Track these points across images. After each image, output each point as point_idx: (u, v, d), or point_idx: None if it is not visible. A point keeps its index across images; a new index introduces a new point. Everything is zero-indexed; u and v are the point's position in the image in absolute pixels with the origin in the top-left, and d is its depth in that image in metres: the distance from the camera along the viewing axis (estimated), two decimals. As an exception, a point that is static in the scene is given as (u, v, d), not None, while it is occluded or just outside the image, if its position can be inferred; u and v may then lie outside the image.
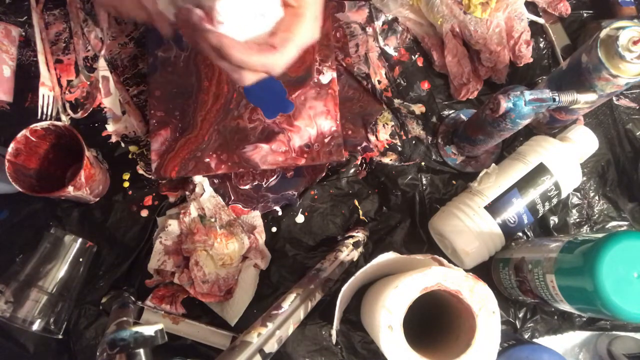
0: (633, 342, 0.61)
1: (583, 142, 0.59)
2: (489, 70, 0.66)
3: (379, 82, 0.67)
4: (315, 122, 0.61)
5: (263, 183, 0.63)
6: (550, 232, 0.64)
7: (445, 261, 0.47)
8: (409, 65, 0.68)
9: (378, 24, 0.69)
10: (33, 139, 0.56)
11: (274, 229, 0.63)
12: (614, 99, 0.67)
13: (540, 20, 0.69)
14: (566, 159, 0.58)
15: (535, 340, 0.62)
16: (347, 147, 0.64)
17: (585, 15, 0.70)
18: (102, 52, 0.66)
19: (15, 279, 0.55)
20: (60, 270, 0.56)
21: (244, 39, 0.41)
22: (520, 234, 0.63)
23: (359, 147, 0.65)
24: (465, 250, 0.57)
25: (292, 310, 0.51)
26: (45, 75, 0.65)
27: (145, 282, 0.60)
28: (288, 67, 0.43)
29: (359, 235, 0.61)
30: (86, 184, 0.55)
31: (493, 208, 0.57)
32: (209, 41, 0.40)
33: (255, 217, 0.62)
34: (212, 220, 0.60)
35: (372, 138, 0.65)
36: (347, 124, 0.65)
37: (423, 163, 0.65)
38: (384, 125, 0.66)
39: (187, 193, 0.62)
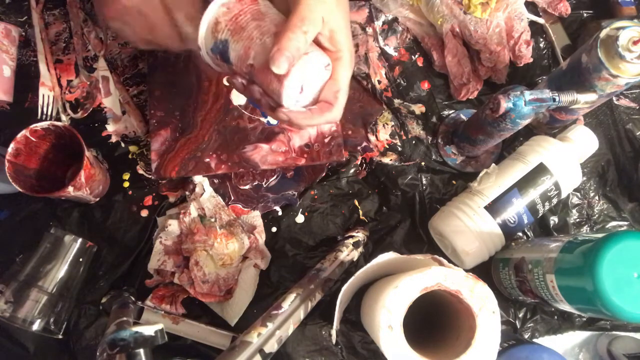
0: (633, 342, 0.61)
1: (583, 142, 0.59)
2: (489, 70, 0.66)
3: (379, 82, 0.67)
4: (315, 122, 0.61)
5: (263, 183, 0.63)
6: (550, 232, 0.64)
7: (445, 261, 0.47)
8: (409, 65, 0.68)
9: (378, 24, 0.69)
10: (33, 139, 0.56)
11: (274, 229, 0.63)
12: (614, 99, 0.67)
13: (540, 20, 0.69)
14: (566, 159, 0.58)
15: (535, 340, 0.62)
16: (347, 147, 0.64)
17: (585, 15, 0.70)
18: (102, 52, 0.66)
19: (15, 279, 0.55)
20: (60, 270, 0.56)
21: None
22: (520, 234, 0.63)
23: (359, 147, 0.65)
24: (465, 250, 0.57)
25: (292, 310, 0.51)
26: (45, 75, 0.65)
27: (145, 282, 0.60)
28: None
29: (359, 235, 0.61)
30: (86, 184, 0.55)
31: (493, 208, 0.57)
32: (279, 118, 0.43)
33: (255, 217, 0.62)
34: (212, 220, 0.60)
35: (372, 138, 0.65)
36: (347, 124, 0.65)
37: (423, 163, 0.65)
38: (384, 125, 0.66)
39: (187, 193, 0.62)
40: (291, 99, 0.41)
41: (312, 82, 0.42)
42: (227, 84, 0.61)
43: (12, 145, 0.54)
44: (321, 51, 0.41)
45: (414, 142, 0.66)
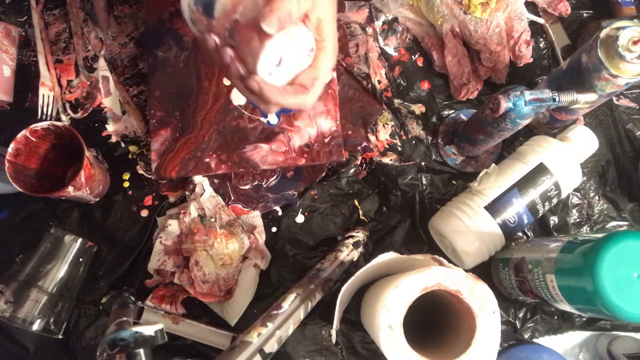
0: (633, 342, 0.61)
1: (583, 142, 0.59)
2: (489, 70, 0.66)
3: (379, 82, 0.67)
4: (315, 122, 0.61)
5: (263, 183, 0.63)
6: (550, 232, 0.64)
7: (445, 261, 0.47)
8: (409, 65, 0.68)
9: (378, 24, 0.69)
10: (33, 139, 0.56)
11: (274, 229, 0.63)
12: (614, 99, 0.67)
13: (540, 20, 0.69)
14: (566, 159, 0.58)
15: (535, 340, 0.62)
16: (347, 147, 0.64)
17: (585, 15, 0.70)
18: (102, 52, 0.66)
19: (15, 279, 0.55)
20: (60, 270, 0.56)
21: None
22: (520, 234, 0.63)
23: (359, 147, 0.65)
24: (465, 250, 0.57)
25: (292, 310, 0.51)
26: (45, 75, 0.65)
27: (145, 282, 0.60)
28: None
29: (359, 235, 0.61)
30: (86, 184, 0.55)
31: (493, 208, 0.57)
32: (249, 86, 0.41)
33: (255, 217, 0.62)
34: (212, 220, 0.60)
35: (372, 138, 0.65)
36: (347, 124, 0.65)
37: (423, 163, 0.65)
38: (384, 125, 0.66)
39: (187, 193, 0.62)
40: (267, 67, 0.40)
41: (292, 61, 0.41)
42: (227, 83, 0.61)
43: (12, 145, 0.54)
44: (310, 32, 0.41)
45: (414, 142, 0.66)
